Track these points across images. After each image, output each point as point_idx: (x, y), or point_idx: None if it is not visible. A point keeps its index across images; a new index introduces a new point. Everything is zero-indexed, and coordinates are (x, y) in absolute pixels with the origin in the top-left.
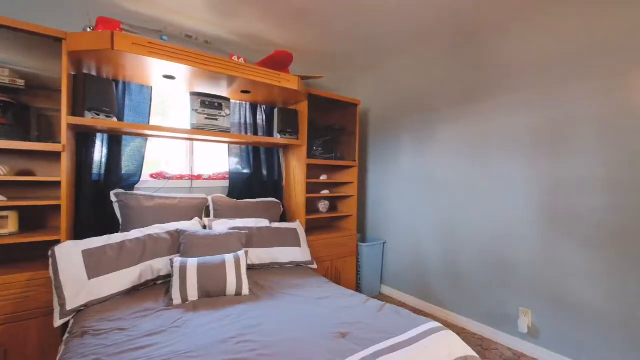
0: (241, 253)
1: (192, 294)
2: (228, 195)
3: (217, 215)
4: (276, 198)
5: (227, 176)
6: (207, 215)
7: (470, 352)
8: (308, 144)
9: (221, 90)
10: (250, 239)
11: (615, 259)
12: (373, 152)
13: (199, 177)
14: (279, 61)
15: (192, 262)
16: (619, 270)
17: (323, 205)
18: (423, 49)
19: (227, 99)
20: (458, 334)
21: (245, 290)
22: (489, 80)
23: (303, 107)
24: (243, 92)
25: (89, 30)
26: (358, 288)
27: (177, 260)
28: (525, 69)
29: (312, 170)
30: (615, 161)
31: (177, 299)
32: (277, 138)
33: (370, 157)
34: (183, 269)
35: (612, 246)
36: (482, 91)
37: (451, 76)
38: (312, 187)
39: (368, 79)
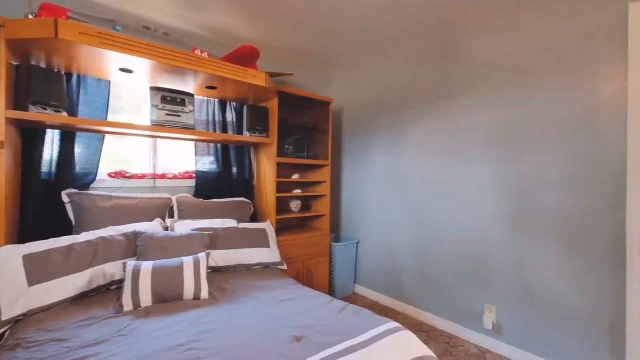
0: (202, 255)
1: (146, 299)
2: (195, 195)
3: (182, 216)
4: (247, 198)
5: (194, 175)
6: (172, 217)
7: (428, 352)
8: (279, 142)
9: (186, 85)
10: (215, 240)
11: (575, 255)
12: (348, 151)
13: (163, 177)
14: (245, 56)
15: (146, 266)
16: (578, 266)
17: (295, 205)
18: (396, 48)
19: (191, 95)
20: (428, 332)
21: (205, 294)
22: (458, 81)
23: (273, 105)
24: (209, 88)
25: (30, 17)
26: (331, 288)
27: (131, 264)
28: (492, 70)
29: (284, 169)
30: (574, 159)
31: (128, 305)
32: (246, 136)
33: (345, 156)
34: (136, 273)
35: (572, 242)
36: (451, 91)
37: (423, 76)
38: (283, 187)
39: (342, 77)
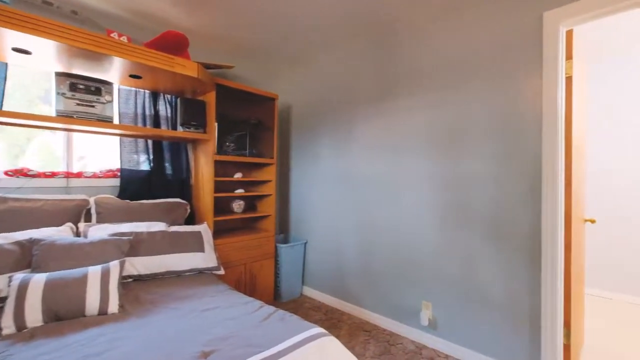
0: (114, 264)
1: (34, 318)
2: (119, 196)
3: (101, 220)
4: (184, 198)
5: (119, 174)
6: (88, 220)
7: (350, 358)
8: (219, 138)
9: (105, 73)
10: (138, 245)
11: (500, 249)
12: (296, 150)
13: (79, 175)
14: (172, 44)
15: (37, 279)
16: (502, 260)
17: (237, 206)
18: (341, 45)
19: (109, 83)
20: (369, 331)
21: (113, 307)
22: (398, 80)
23: (211, 99)
24: (133, 77)
25: None
26: (277, 291)
27: (18, 277)
28: (428, 71)
29: (226, 168)
30: (499, 158)
31: (8, 327)
32: (179, 131)
33: (294, 155)
34: (22, 289)
35: (498, 237)
36: (393, 90)
37: (368, 74)
38: (225, 186)
39: (290, 73)
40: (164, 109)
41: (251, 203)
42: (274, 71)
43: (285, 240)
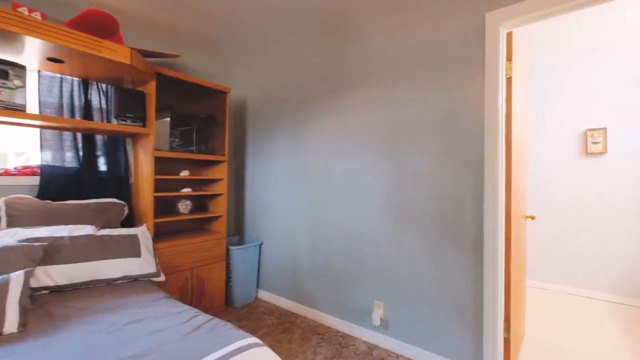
0: (16, 275)
1: None
2: (38, 196)
3: (13, 224)
4: (121, 198)
5: (39, 171)
6: None
7: None
8: (163, 133)
9: (16, 55)
10: (56, 252)
11: (446, 247)
12: (252, 147)
13: None
14: (97, 24)
15: None
16: (449, 257)
17: (184, 206)
18: (295, 40)
19: (20, 66)
20: (322, 334)
21: (11, 327)
22: (350, 76)
23: (151, 89)
24: (52, 60)
25: None
26: (229, 296)
27: None
28: (378, 67)
29: (171, 165)
30: (444, 156)
31: None
32: (113, 124)
33: (250, 152)
34: None
35: (444, 234)
36: (345, 86)
37: (320, 69)
38: (171, 185)
39: (245, 68)
40: (97, 100)
41: (202, 203)
42: (229, 65)
43: (241, 242)
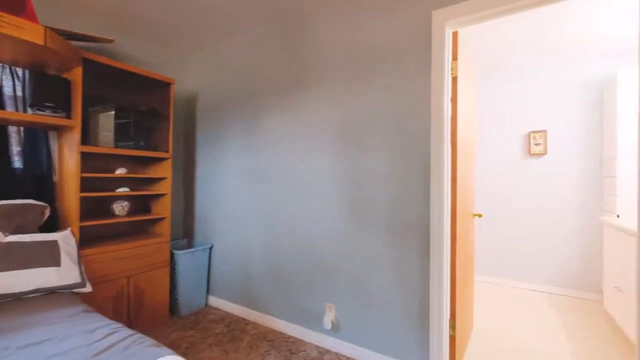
0: None
1: None
2: None
3: None
4: (43, 199)
5: None
6: None
7: None
8: (94, 126)
9: None
10: None
11: (397, 247)
12: (203, 144)
13: None
14: None
15: None
16: (399, 257)
17: (120, 207)
18: (249, 31)
19: None
20: (272, 340)
21: None
22: (308, 71)
23: (77, 76)
24: None
25: None
26: (174, 305)
27: None
28: (334, 64)
29: (107, 162)
30: (396, 156)
31: None
32: (28, 114)
33: (201, 149)
34: None
35: (396, 235)
36: (303, 83)
37: (276, 63)
38: (106, 184)
39: (196, 59)
40: (10, 86)
41: (145, 204)
42: (181, 57)
43: (190, 246)
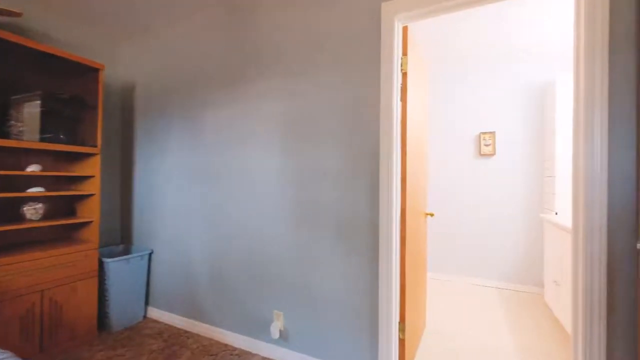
0: None
1: None
2: None
3: None
4: None
5: None
6: None
7: None
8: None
9: None
10: None
11: (346, 250)
12: (142, 139)
13: None
14: None
15: None
16: (349, 261)
17: (32, 211)
18: (196, 22)
19: None
20: (216, 354)
21: None
22: (257, 63)
23: None
24: None
25: None
26: (104, 320)
27: None
28: (285, 54)
29: (18, 157)
30: (345, 155)
31: None
32: None
33: (139, 145)
34: None
35: (346, 237)
36: (246, 73)
37: (221, 52)
38: (15, 182)
39: (135, 46)
40: None
41: (68, 207)
42: (114, 40)
43: (126, 252)
